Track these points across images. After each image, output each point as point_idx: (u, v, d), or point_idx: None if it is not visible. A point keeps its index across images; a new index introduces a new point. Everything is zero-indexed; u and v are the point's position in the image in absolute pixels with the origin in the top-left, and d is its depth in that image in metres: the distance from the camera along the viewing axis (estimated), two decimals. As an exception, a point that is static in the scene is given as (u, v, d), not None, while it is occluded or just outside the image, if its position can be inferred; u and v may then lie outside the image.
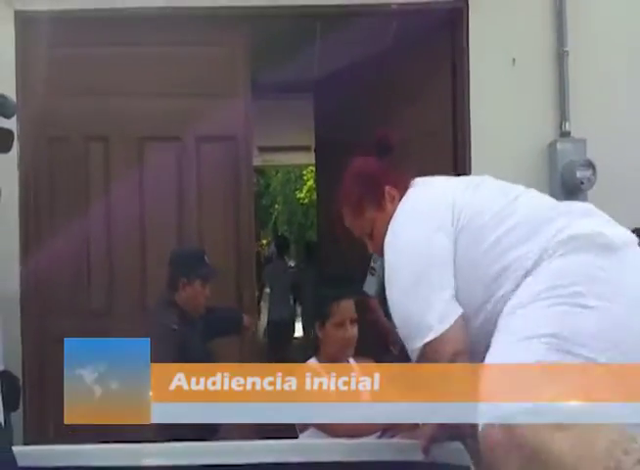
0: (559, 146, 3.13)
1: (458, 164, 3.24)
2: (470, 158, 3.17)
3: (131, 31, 3.10)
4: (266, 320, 6.25)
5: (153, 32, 3.08)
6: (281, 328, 6.18)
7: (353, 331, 1.79)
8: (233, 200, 3.20)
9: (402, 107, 3.50)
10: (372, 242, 1.45)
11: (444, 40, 3.31)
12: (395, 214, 1.38)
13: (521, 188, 1.39)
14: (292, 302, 6.53)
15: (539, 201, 1.37)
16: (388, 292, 1.34)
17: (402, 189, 1.43)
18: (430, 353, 1.26)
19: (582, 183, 3.04)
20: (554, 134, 3.18)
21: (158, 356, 2.18)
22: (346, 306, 1.79)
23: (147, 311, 2.84)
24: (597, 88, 3.14)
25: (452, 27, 3.25)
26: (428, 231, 1.31)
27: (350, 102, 3.79)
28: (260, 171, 12.52)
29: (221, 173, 3.21)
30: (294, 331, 6.55)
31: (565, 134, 3.16)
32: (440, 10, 3.26)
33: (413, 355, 1.30)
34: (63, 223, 3.14)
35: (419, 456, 1.42)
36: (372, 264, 2.92)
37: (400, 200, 1.41)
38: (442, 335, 1.24)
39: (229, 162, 3.21)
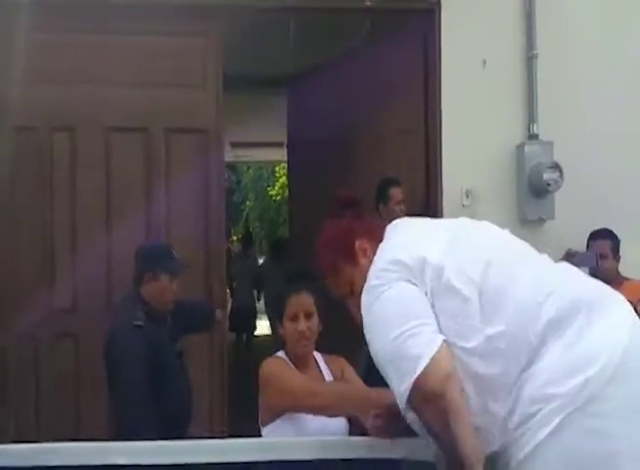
0: (527, 148, 3.18)
1: (430, 163, 3.27)
2: (441, 158, 3.20)
3: (101, 20, 3.02)
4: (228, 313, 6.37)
5: (123, 21, 3.01)
6: (242, 320, 6.46)
7: (308, 325, 1.76)
8: (203, 195, 3.16)
9: (375, 104, 3.51)
10: (353, 299, 1.38)
11: (417, 39, 3.34)
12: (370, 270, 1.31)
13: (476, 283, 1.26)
14: (255, 295, 6.74)
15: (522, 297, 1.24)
16: (370, 339, 1.27)
17: (374, 240, 1.38)
18: (421, 384, 1.18)
19: (549, 185, 3.10)
20: (522, 136, 3.23)
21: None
22: (299, 300, 1.78)
23: (111, 307, 2.77)
24: (565, 91, 3.21)
25: (425, 27, 3.28)
26: (402, 283, 1.26)
27: (323, 99, 3.79)
28: (232, 167, 12.45)
29: (191, 167, 3.16)
30: (255, 323, 6.80)
31: (533, 136, 3.22)
32: (413, 9, 3.28)
33: (402, 399, 1.21)
34: (26, 215, 3.05)
35: (389, 454, 1.42)
36: None
37: (374, 251, 1.35)
38: (433, 358, 1.18)
39: (199, 156, 3.16)
